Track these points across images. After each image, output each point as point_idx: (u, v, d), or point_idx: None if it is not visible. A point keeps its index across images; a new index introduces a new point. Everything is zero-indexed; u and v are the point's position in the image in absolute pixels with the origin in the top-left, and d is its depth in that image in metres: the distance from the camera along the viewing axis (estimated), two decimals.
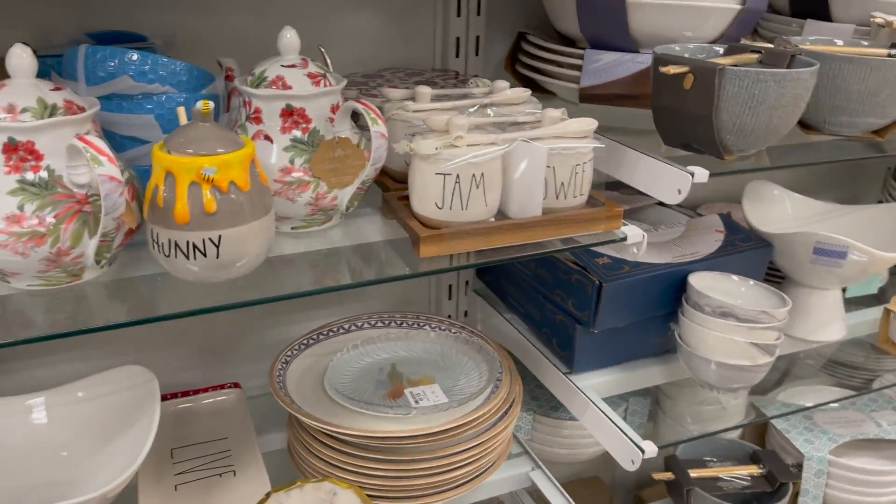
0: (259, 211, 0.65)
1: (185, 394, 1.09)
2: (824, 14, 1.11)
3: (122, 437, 0.85)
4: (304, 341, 1.02)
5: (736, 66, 0.79)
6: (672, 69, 0.74)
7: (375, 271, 0.74)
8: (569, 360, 1.03)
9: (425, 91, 0.82)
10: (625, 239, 0.77)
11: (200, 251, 0.62)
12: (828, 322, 1.15)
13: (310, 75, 0.71)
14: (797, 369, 1.30)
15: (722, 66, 0.74)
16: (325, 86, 0.71)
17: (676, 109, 0.78)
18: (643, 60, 0.90)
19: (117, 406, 0.86)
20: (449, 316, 1.26)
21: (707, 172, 0.77)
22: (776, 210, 1.20)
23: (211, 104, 0.62)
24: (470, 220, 0.72)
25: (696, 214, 1.21)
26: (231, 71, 0.78)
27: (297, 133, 0.70)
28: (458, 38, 1.08)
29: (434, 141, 0.69)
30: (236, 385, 1.10)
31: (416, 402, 0.89)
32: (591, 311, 0.98)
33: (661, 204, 1.25)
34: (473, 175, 0.70)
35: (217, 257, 0.63)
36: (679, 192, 0.77)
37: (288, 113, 0.70)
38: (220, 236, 0.62)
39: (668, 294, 1.02)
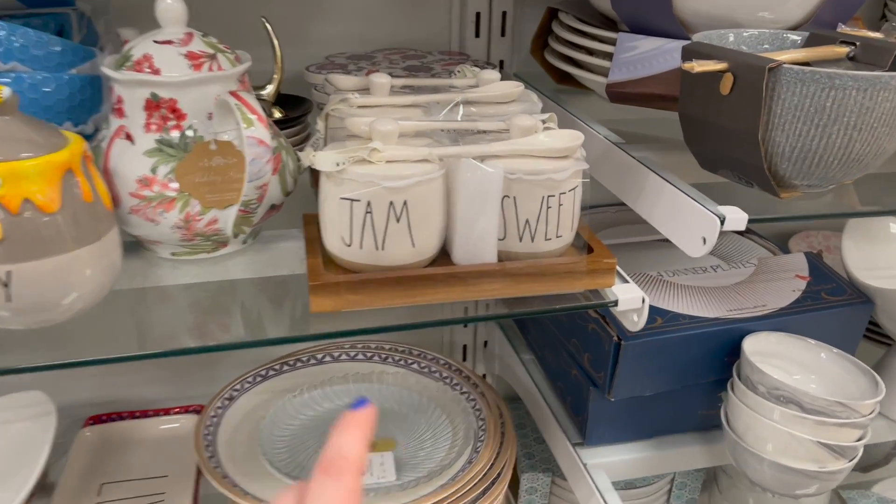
0: (85, 237, 0.48)
1: (144, 413, 0.96)
2: None
3: (13, 472, 0.72)
4: (263, 372, 0.86)
5: (806, 63, 0.55)
6: (699, 65, 0.51)
7: (264, 324, 0.56)
8: (581, 427, 0.81)
9: (382, 81, 0.62)
10: (615, 304, 0.55)
11: None
12: None
13: (189, 55, 0.53)
14: None
15: (775, 63, 0.50)
16: (209, 70, 0.53)
17: (711, 122, 0.55)
18: None
19: (9, 436, 0.73)
20: (465, 346, 1.06)
21: (745, 217, 0.54)
22: (892, 254, 0.91)
23: (6, 91, 0.45)
24: (389, 263, 0.52)
25: (779, 249, 0.94)
26: None
27: (167, 133, 0.53)
28: (478, 14, 0.87)
29: (336, 154, 0.50)
30: (201, 409, 0.96)
31: None
32: (608, 374, 0.76)
33: (738, 231, 1.00)
34: (392, 204, 0.50)
35: (9, 300, 0.46)
36: (704, 241, 0.54)
37: (153, 105, 0.52)
38: (9, 272, 0.46)
39: (717, 357, 0.78)
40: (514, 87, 0.63)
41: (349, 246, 0.52)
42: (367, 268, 0.52)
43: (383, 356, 0.89)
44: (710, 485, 1.00)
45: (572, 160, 0.53)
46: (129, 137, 0.53)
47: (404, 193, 0.50)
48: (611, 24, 0.76)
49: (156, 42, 0.53)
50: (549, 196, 0.52)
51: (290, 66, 0.77)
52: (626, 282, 0.56)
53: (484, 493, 0.73)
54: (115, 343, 0.52)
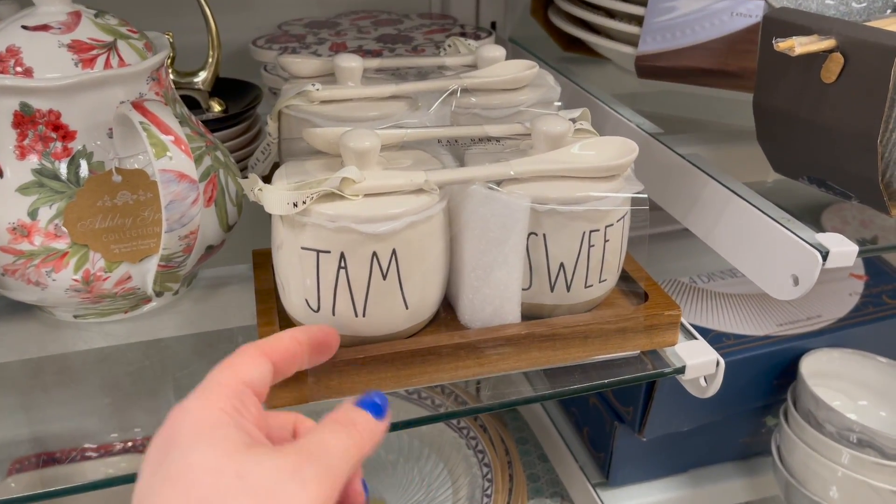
0: None
1: (83, 454, 0.81)
2: None
3: None
4: None
5: None
6: (801, 45, 0.36)
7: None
8: (603, 465, 0.69)
9: (351, 65, 0.47)
10: (682, 371, 0.41)
11: None
12: None
13: (75, 46, 0.37)
14: None
15: None
16: (106, 66, 0.37)
17: (802, 119, 0.41)
18: (749, 12, 0.52)
19: None
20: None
21: (854, 250, 0.40)
22: None
23: None
24: (373, 333, 0.38)
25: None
26: None
27: (49, 160, 0.37)
28: None
29: (291, 191, 0.35)
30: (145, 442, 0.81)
31: None
32: (639, 410, 0.63)
33: None
34: (375, 255, 0.35)
35: None
36: (796, 281, 0.40)
37: (26, 120, 0.36)
38: None
39: (766, 381, 0.65)
40: (526, 68, 0.48)
41: (317, 312, 0.37)
42: (343, 340, 0.38)
43: None
44: None
45: (621, 180, 0.38)
46: None
47: (392, 240, 0.35)
48: None
49: (25, 28, 0.37)
50: (591, 231, 0.38)
51: (233, 39, 0.62)
52: (694, 338, 0.42)
53: None
54: None
